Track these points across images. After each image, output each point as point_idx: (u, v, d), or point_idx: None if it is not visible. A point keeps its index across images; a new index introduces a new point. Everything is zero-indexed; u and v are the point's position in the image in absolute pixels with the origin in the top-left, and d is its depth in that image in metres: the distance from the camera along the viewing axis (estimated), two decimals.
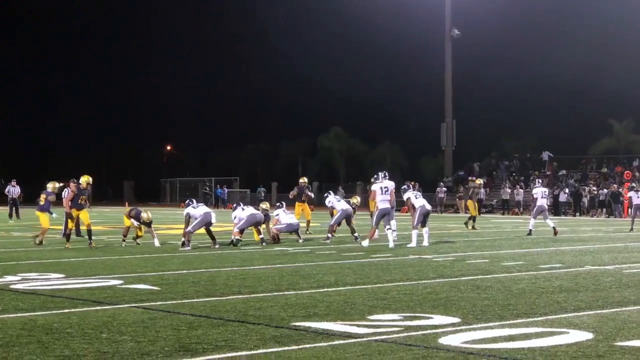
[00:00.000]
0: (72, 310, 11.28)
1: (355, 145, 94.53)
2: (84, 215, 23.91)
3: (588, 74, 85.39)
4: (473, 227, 33.75)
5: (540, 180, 35.27)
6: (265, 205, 25.85)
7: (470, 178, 49.11)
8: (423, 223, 23.60)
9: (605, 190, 55.76)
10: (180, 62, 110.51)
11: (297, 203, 31.71)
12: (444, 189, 64.88)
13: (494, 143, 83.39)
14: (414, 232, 23.24)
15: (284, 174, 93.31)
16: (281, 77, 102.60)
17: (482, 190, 61.67)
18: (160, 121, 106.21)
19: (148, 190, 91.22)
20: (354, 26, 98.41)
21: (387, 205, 22.93)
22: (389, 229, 23.00)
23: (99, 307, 11.57)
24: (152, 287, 13.86)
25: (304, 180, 32.74)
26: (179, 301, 12.17)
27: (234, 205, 25.90)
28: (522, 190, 59.42)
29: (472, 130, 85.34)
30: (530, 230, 29.16)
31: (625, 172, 59.78)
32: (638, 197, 33.97)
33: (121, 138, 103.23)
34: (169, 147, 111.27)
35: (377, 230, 23.25)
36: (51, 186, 25.52)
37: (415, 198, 24.17)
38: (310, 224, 31.33)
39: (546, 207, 30.44)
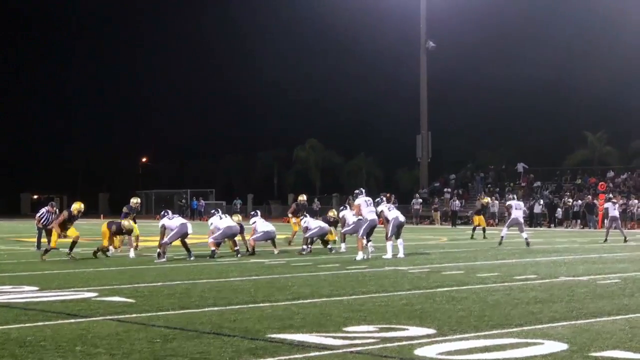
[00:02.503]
0: (46, 323, 11.20)
1: (331, 157, 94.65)
2: (71, 231, 24.16)
3: (562, 86, 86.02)
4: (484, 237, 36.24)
5: (514, 194, 35.93)
6: (237, 217, 25.85)
7: (478, 197, 49.87)
8: (397, 235, 23.62)
9: (580, 202, 56.01)
10: (156, 74, 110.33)
11: (294, 218, 31.56)
12: (420, 200, 64.96)
13: (469, 155, 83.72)
14: (389, 244, 23.25)
15: (260, 186, 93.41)
16: (257, 89, 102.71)
17: (458, 202, 61.88)
18: (136, 133, 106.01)
19: (123, 202, 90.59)
20: (330, 38, 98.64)
21: (375, 216, 23.07)
22: (369, 241, 23.16)
23: (73, 320, 11.50)
24: (126, 299, 13.79)
25: (302, 197, 32.60)
26: (154, 313, 12.11)
27: (212, 211, 25.80)
28: (497, 202, 59.56)
29: (448, 142, 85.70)
30: (502, 238, 29.45)
31: (600, 183, 60.07)
32: (614, 209, 34.11)
33: (96, 150, 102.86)
34: (144, 159, 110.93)
35: (364, 240, 23.18)
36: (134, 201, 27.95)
37: (389, 210, 24.20)
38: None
39: (522, 220, 30.71)
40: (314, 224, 25.90)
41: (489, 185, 70.24)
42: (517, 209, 30.08)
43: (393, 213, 24.07)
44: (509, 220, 29.91)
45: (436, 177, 76.15)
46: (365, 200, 23.32)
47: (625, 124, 79.64)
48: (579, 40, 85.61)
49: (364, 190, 24.12)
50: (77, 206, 23.99)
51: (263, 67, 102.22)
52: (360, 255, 22.58)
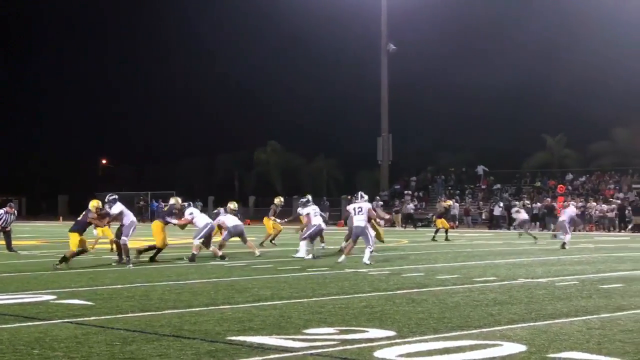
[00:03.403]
0: (3, 326, 11.09)
1: (292, 159, 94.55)
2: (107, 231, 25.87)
3: (522, 90, 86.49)
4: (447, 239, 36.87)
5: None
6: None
7: (440, 199, 49.83)
8: (312, 239, 24.71)
9: (539, 204, 56.42)
10: (116, 76, 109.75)
11: (269, 219, 31.87)
12: (381, 203, 64.94)
13: (429, 157, 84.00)
14: (303, 243, 24.26)
15: (221, 188, 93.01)
16: (217, 91, 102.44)
17: (411, 204, 62.12)
18: (95, 134, 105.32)
19: (83, 204, 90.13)
20: (290, 40, 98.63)
21: (362, 224, 22.93)
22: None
23: (31, 323, 11.40)
24: (85, 302, 13.69)
25: (280, 200, 32.71)
26: (113, 316, 12.04)
27: (215, 211, 25.87)
28: (457, 204, 59.82)
29: (409, 145, 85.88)
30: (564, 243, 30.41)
31: (559, 185, 60.54)
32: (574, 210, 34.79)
33: (55, 152, 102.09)
34: (104, 161, 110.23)
35: (353, 245, 23.08)
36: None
37: (314, 215, 24.91)
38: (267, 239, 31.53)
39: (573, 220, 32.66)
40: (230, 222, 25.66)
41: (450, 188, 70.57)
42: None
43: (317, 219, 24.96)
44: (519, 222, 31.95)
45: (397, 179, 76.35)
46: (355, 208, 23.31)
47: (584, 127, 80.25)
48: (538, 44, 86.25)
49: (359, 195, 24.13)
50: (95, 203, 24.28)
51: (223, 69, 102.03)
52: (301, 253, 23.88)
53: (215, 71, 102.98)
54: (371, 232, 22.90)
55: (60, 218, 79.22)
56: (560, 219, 32.54)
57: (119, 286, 16.32)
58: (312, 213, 24.77)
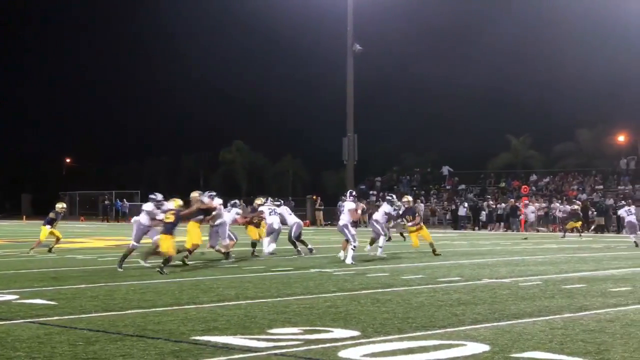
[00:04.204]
0: None
1: (257, 159, 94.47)
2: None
3: (487, 90, 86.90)
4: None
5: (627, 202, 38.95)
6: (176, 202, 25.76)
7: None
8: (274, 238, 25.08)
9: (504, 205, 56.72)
10: (81, 74, 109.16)
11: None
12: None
13: (395, 157, 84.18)
14: (265, 240, 25.07)
15: (186, 188, 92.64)
16: (183, 90, 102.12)
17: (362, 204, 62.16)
18: (60, 134, 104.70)
19: (47, 203, 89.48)
20: (256, 40, 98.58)
21: (341, 222, 23.11)
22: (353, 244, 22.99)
23: None
24: (48, 302, 13.61)
25: (260, 200, 32.25)
26: (77, 316, 11.97)
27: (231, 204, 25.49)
28: (422, 205, 59.99)
29: (374, 145, 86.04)
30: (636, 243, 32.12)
31: (523, 186, 60.87)
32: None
33: (19, 151, 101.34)
34: (68, 160, 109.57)
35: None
36: (60, 206, 27.75)
37: (269, 214, 25.46)
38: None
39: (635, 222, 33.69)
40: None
41: (415, 188, 70.76)
42: (630, 214, 33.60)
43: (271, 218, 25.40)
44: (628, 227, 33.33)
45: (362, 179, 76.43)
46: (269, 208, 23.66)
47: (548, 128, 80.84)
48: (504, 46, 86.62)
49: (347, 194, 24.75)
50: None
51: (190, 69, 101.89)
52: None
53: (182, 71, 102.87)
54: (352, 231, 22.95)
55: (24, 217, 78.62)
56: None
57: (82, 286, 16.23)
58: (266, 212, 24.94)
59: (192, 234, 21.60)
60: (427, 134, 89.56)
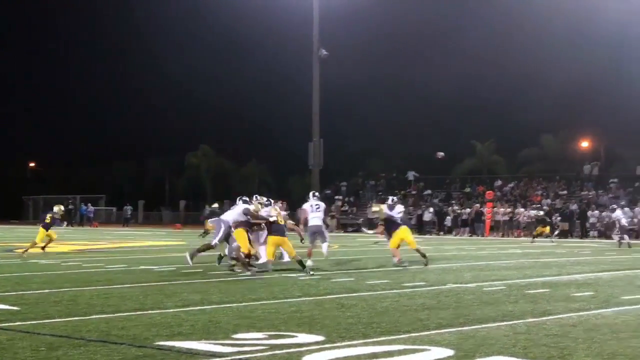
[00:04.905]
0: None
1: (223, 164, 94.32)
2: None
3: (452, 96, 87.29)
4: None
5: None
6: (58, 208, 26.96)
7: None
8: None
9: (469, 210, 56.99)
10: (45, 76, 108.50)
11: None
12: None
13: (360, 162, 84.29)
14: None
15: (151, 192, 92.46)
16: (149, 94, 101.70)
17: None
18: (24, 137, 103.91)
19: (11, 207, 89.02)
20: (224, 44, 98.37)
21: (319, 222, 23.06)
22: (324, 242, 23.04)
23: None
24: (11, 307, 13.49)
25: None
26: (40, 321, 11.87)
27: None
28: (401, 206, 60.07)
29: (340, 150, 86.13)
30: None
31: (487, 192, 61.16)
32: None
33: None
34: (32, 164, 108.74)
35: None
36: (57, 209, 28.84)
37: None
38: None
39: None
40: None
41: (380, 193, 70.85)
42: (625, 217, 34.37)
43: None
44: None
45: (328, 184, 76.44)
46: (312, 205, 23.42)
47: (513, 134, 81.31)
48: (470, 51, 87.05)
49: (311, 195, 24.37)
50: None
51: (156, 72, 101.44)
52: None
53: (148, 74, 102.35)
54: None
55: None
56: None
57: (46, 291, 16.11)
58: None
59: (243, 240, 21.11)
60: (392, 139, 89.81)
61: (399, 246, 23.21)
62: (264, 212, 22.02)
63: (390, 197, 25.18)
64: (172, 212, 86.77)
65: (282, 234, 20.74)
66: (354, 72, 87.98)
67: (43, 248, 27.87)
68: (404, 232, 23.38)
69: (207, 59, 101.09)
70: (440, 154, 57.83)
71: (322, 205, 23.62)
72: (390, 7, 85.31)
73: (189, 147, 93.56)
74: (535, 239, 43.47)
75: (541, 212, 46.14)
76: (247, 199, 22.25)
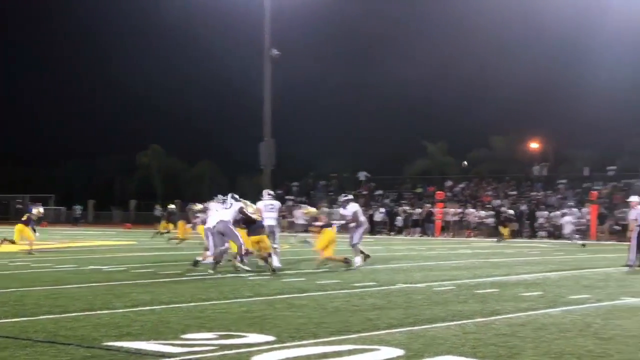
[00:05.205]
0: None
1: (174, 164, 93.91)
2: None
3: (403, 97, 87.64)
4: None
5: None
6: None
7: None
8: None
9: (419, 210, 57.23)
10: None
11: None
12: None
13: (312, 163, 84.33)
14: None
15: (101, 192, 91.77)
16: (100, 93, 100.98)
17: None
18: None
19: None
20: (174, 44, 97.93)
21: (273, 222, 22.81)
22: (275, 248, 22.48)
23: None
24: None
25: (198, 206, 31.84)
26: None
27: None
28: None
29: (292, 150, 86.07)
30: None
31: (438, 192, 61.45)
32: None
33: None
34: None
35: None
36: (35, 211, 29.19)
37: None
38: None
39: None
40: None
41: (331, 194, 70.91)
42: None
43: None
44: None
45: (279, 184, 76.39)
46: (266, 204, 23.02)
47: (464, 135, 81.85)
48: (421, 53, 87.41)
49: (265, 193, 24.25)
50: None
51: (107, 71, 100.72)
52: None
53: (98, 73, 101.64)
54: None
55: None
56: None
57: None
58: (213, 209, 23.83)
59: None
60: (344, 140, 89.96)
61: (326, 248, 22.75)
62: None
63: (343, 196, 25.10)
64: (122, 212, 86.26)
65: (262, 232, 20.98)
66: (306, 72, 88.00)
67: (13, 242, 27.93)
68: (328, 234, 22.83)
69: (158, 58, 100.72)
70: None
71: (277, 204, 23.36)
72: (342, 8, 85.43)
73: (139, 147, 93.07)
74: (501, 238, 43.79)
75: (510, 211, 46.47)
76: (237, 196, 22.11)
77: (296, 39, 78.64)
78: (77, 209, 75.97)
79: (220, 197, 23.25)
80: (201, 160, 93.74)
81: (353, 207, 23.99)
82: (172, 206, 44.47)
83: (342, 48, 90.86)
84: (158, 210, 67.43)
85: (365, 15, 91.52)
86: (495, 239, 45.01)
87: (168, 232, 40.65)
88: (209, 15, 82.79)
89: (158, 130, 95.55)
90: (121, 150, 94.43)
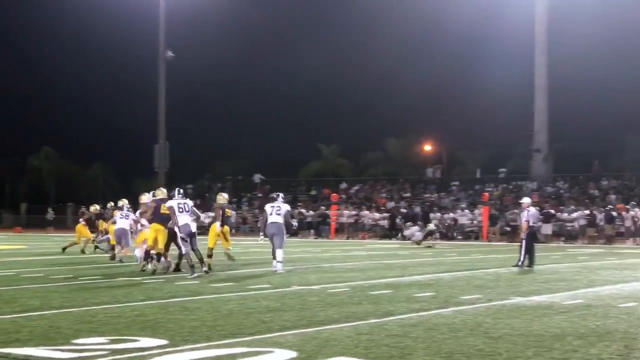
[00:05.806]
0: None
1: (67, 166, 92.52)
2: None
3: (298, 100, 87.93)
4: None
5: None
6: None
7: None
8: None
9: (314, 212, 57.43)
10: None
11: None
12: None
13: (207, 165, 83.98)
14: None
15: None
16: None
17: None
18: None
19: None
20: (66, 45, 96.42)
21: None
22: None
23: None
24: None
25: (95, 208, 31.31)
26: None
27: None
28: (234, 212, 59.97)
29: (187, 153, 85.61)
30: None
31: (332, 194, 61.79)
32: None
33: None
34: None
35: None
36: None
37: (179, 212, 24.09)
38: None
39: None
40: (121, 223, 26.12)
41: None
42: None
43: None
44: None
45: (174, 187, 75.78)
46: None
47: (358, 138, 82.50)
48: (315, 56, 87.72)
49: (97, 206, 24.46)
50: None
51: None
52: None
53: None
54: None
55: None
56: None
57: None
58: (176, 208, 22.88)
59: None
60: (239, 142, 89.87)
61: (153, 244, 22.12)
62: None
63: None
64: (12, 215, 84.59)
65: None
66: (201, 74, 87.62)
67: None
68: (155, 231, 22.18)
69: (50, 58, 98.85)
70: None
71: (190, 203, 22.66)
72: (238, 9, 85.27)
73: (30, 149, 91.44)
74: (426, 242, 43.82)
75: (432, 225, 46.45)
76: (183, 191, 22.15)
77: (191, 41, 78.31)
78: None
79: (178, 191, 22.70)
80: (95, 162, 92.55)
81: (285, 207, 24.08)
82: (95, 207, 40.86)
83: (237, 50, 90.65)
84: (50, 214, 66.34)
85: (261, 15, 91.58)
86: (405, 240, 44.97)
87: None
88: (103, 15, 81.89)
89: (50, 133, 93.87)
90: (11, 153, 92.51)
